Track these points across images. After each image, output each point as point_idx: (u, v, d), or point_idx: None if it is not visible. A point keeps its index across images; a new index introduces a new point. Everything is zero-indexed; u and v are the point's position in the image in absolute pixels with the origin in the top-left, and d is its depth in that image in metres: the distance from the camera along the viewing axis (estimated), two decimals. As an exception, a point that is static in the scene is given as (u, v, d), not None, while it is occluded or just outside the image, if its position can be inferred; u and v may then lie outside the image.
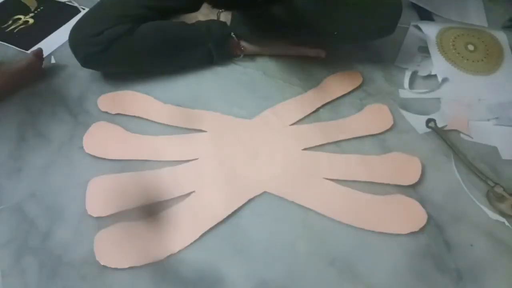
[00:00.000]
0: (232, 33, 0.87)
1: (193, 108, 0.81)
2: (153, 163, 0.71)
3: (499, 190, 0.68)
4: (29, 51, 0.91)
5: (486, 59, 0.92)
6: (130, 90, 0.83)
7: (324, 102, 0.83)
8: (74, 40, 0.78)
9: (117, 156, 0.72)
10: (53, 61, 0.90)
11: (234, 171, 0.71)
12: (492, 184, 0.69)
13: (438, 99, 0.85)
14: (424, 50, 0.95)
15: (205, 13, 0.90)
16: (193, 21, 0.90)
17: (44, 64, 0.87)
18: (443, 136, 0.76)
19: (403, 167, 0.72)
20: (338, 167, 0.72)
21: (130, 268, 0.59)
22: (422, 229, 0.64)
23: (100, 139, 0.75)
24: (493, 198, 0.68)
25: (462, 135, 0.79)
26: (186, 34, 0.86)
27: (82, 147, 0.73)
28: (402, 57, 0.94)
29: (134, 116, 0.79)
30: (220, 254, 0.61)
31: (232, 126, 0.78)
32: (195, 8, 0.91)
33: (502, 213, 0.67)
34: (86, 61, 0.80)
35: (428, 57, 0.93)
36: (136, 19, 0.79)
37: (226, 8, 0.85)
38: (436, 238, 0.64)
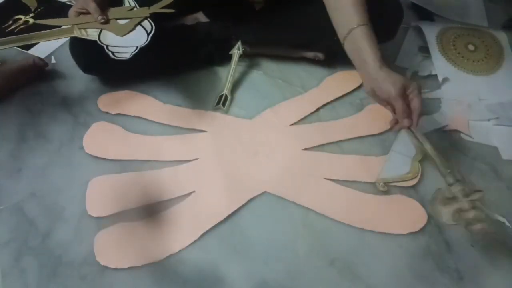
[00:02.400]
0: (233, 36, 0.87)
1: (193, 108, 0.81)
2: (153, 163, 0.71)
3: (456, 189, 0.59)
4: (29, 51, 0.91)
5: (487, 59, 0.92)
6: (130, 90, 0.83)
7: (324, 102, 0.83)
8: (76, 48, 0.78)
9: (117, 156, 0.72)
10: (53, 61, 0.90)
11: (234, 171, 0.71)
12: (451, 181, 0.60)
13: (439, 99, 0.85)
14: (424, 50, 0.95)
15: None
16: (194, 22, 0.90)
17: (45, 64, 0.87)
18: (414, 133, 0.68)
19: (403, 167, 0.72)
20: (338, 167, 0.72)
21: (130, 268, 0.59)
22: (422, 229, 0.64)
23: (100, 139, 0.75)
24: (440, 198, 0.61)
25: (462, 135, 0.79)
26: (187, 38, 0.86)
27: (82, 147, 0.73)
28: (402, 57, 0.94)
29: (134, 116, 0.79)
30: (220, 254, 0.61)
31: (232, 126, 0.78)
32: (195, 10, 0.92)
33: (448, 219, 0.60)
34: (87, 69, 0.81)
35: (429, 57, 0.93)
36: None
37: (223, 17, 0.86)
38: (436, 238, 0.64)
